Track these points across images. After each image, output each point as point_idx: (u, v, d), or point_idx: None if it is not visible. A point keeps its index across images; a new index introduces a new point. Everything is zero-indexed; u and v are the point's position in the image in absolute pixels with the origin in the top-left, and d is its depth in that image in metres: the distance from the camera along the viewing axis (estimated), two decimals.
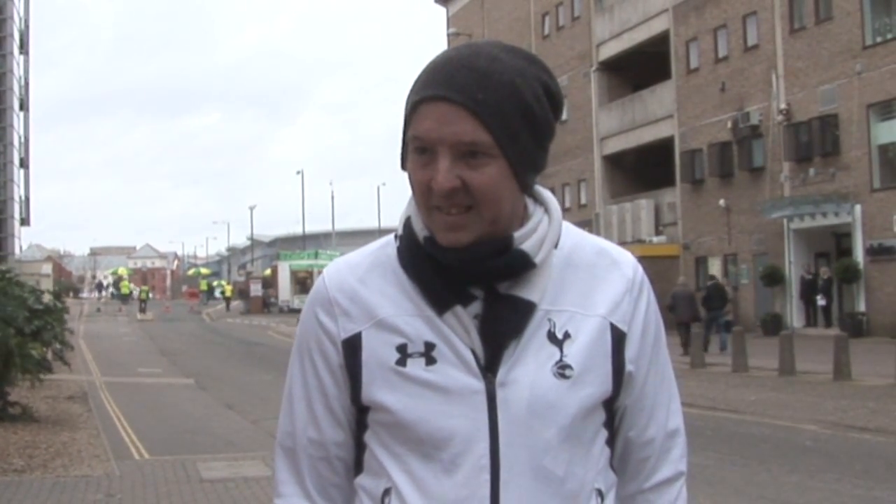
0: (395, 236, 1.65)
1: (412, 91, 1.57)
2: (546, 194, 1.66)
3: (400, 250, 1.63)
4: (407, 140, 1.58)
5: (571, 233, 1.67)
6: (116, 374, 21.82)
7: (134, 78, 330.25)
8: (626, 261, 1.67)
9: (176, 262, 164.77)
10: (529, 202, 1.64)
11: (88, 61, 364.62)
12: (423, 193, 1.55)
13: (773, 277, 30.35)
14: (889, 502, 8.05)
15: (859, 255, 27.72)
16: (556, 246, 1.62)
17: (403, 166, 1.61)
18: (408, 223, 1.63)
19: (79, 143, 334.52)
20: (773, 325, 28.95)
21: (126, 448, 11.53)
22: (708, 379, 17.98)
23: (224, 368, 23.93)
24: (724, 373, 19.19)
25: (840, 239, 29.63)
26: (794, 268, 30.13)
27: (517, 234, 1.58)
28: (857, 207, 27.61)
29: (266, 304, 62.22)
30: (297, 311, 36.10)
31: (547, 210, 1.64)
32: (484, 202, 1.53)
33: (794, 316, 29.82)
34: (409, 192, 1.62)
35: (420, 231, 1.60)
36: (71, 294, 79.33)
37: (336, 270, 1.67)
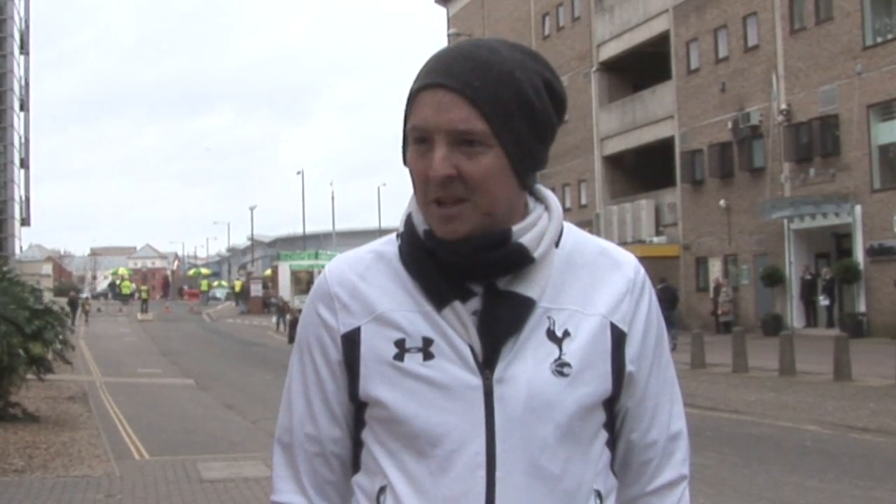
0: (397, 235, 1.65)
1: (413, 83, 1.58)
2: (547, 192, 1.66)
3: (401, 248, 1.63)
4: (406, 132, 1.58)
5: (573, 233, 1.66)
6: (117, 375, 21.84)
7: (149, 78, 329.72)
8: (628, 262, 1.66)
9: (176, 263, 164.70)
10: (530, 200, 1.63)
11: (105, 61, 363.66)
12: (422, 184, 1.56)
13: (774, 278, 30.36)
14: (889, 502, 8.05)
15: (859, 255, 27.72)
16: (557, 245, 1.62)
17: (405, 161, 1.61)
18: (409, 220, 1.63)
19: (92, 143, 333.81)
20: (773, 325, 28.96)
21: (126, 448, 11.54)
22: (708, 379, 17.98)
23: (224, 369, 23.94)
24: (724, 373, 19.19)
25: (840, 239, 29.62)
26: (794, 268, 30.13)
27: (516, 228, 1.57)
28: (858, 208, 27.60)
29: (266, 305, 62.22)
30: (298, 311, 36.09)
31: (547, 208, 1.63)
32: (479, 193, 1.53)
33: (795, 316, 29.81)
34: (409, 191, 1.62)
35: (420, 225, 1.60)
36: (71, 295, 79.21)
37: (337, 266, 1.67)
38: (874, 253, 27.14)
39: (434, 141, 1.52)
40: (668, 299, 25.29)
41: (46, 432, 12.05)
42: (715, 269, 34.17)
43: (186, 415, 15.14)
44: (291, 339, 25.33)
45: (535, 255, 1.57)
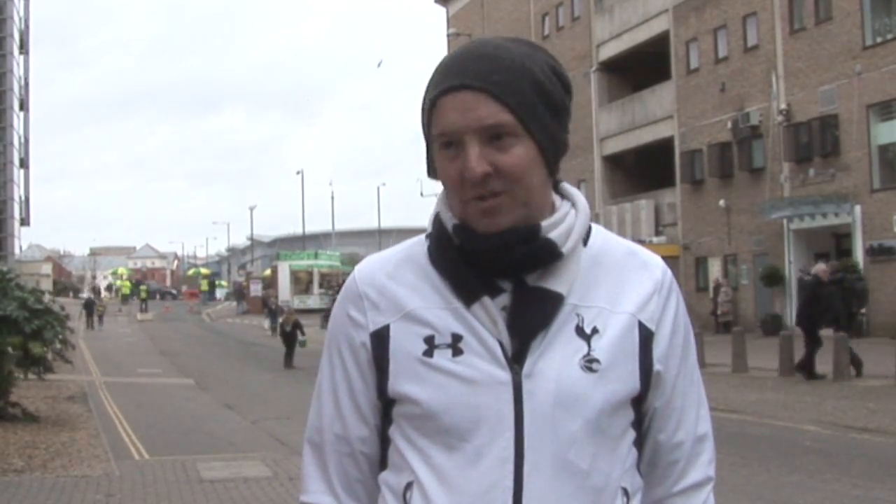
0: (426, 235, 1.67)
1: (427, 91, 1.60)
2: (573, 190, 1.68)
3: (430, 247, 1.65)
4: (430, 142, 1.60)
5: (601, 233, 1.69)
6: (116, 375, 21.86)
7: (162, 79, 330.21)
8: (656, 263, 1.69)
9: (176, 263, 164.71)
10: (556, 197, 1.66)
11: (119, 62, 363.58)
12: (457, 187, 1.57)
13: (773, 278, 30.35)
14: (889, 502, 8.05)
15: (859, 255, 27.72)
16: (585, 244, 1.64)
17: (430, 173, 1.63)
18: (437, 219, 1.65)
19: (102, 143, 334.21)
20: (772, 325, 28.95)
21: (126, 448, 11.55)
22: (708, 379, 17.78)
23: (224, 369, 23.96)
24: (724, 373, 19.20)
25: (840, 239, 29.62)
26: (793, 268, 30.12)
27: (545, 224, 1.59)
28: (857, 208, 27.60)
29: (266, 305, 62.22)
30: (297, 311, 36.09)
31: (574, 204, 1.66)
32: (516, 184, 1.55)
33: (794, 316, 29.77)
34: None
35: (449, 220, 1.62)
36: (70, 294, 79.25)
37: (366, 266, 1.70)
38: (874, 253, 27.14)
39: (464, 143, 1.54)
40: None
41: (46, 432, 12.05)
42: (714, 269, 34.18)
43: (186, 415, 15.14)
44: (284, 340, 25.20)
45: (564, 249, 1.59)
